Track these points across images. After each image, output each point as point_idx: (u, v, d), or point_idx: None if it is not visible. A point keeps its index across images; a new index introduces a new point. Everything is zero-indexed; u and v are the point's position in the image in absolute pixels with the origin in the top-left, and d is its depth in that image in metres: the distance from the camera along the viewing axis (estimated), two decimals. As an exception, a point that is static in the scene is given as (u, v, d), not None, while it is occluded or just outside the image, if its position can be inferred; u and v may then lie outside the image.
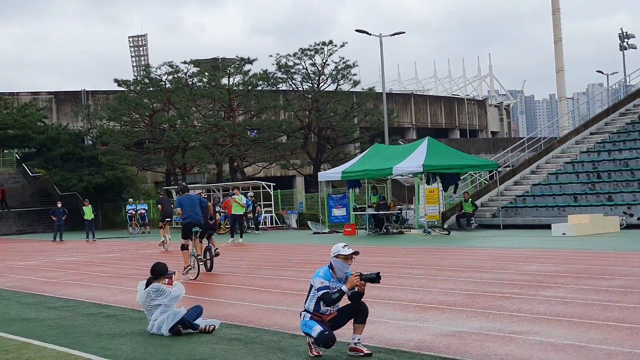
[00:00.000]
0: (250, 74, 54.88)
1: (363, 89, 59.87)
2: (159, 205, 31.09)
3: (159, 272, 10.82)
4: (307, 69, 54.84)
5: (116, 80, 57.30)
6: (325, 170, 45.66)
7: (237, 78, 55.41)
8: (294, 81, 56.13)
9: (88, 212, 40.27)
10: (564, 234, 27.07)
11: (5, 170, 68.16)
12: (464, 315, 10.96)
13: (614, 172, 34.62)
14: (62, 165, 56.63)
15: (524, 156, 42.44)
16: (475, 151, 75.54)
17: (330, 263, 8.68)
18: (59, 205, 42.41)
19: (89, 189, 54.03)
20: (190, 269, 17.91)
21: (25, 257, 28.50)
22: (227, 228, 34.95)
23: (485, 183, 40.16)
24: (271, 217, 44.69)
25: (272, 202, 45.09)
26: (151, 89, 56.38)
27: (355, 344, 8.62)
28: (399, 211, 34.44)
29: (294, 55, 54.18)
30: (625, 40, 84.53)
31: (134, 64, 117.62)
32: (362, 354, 8.55)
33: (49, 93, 76.66)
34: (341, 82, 55.74)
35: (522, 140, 45.36)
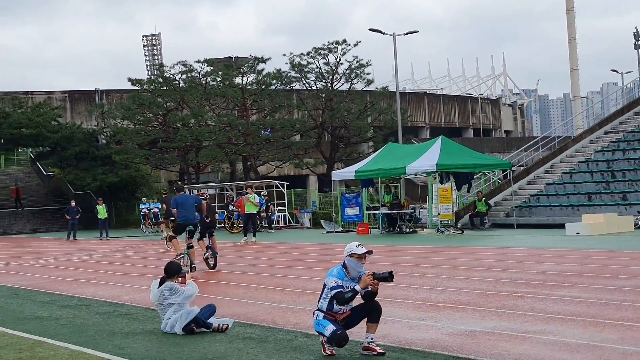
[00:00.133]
0: (264, 73, 55.00)
1: (376, 88, 59.81)
2: (163, 205, 31.22)
3: (172, 271, 10.83)
4: (320, 68, 54.91)
5: (130, 80, 57.49)
6: (338, 169, 45.67)
7: (251, 77, 55.55)
8: (307, 80, 56.19)
9: (102, 211, 40.38)
10: (578, 233, 26.96)
11: (19, 169, 68.42)
12: (478, 315, 10.92)
13: (629, 172, 34.45)
14: (76, 164, 56.79)
15: (538, 155, 42.29)
16: (489, 150, 75.35)
17: (344, 262, 8.67)
18: (73, 204, 42.57)
19: (102, 188, 54.15)
20: (182, 256, 18.39)
21: (39, 256, 28.61)
22: (241, 227, 34.95)
23: (499, 182, 40.04)
24: (284, 216, 44.70)
25: (286, 201, 45.10)
26: (165, 88, 56.48)
27: (368, 343, 8.61)
28: (413, 210, 34.38)
29: (308, 54, 54.25)
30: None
31: (148, 63, 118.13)
32: (375, 353, 8.54)
33: (63, 92, 76.95)
34: (355, 81, 55.81)
35: (536, 140, 45.21)
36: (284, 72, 55.30)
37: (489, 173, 41.26)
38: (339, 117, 55.12)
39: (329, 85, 55.71)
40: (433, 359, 8.29)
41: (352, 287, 8.48)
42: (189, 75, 56.26)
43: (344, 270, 8.65)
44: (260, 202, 34.15)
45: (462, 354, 8.47)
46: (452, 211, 33.63)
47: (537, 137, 51.90)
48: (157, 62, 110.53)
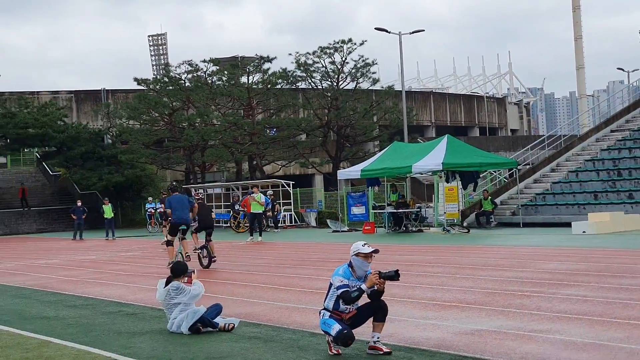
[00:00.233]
0: (270, 72, 54.98)
1: (382, 87, 59.82)
2: (163, 205, 31.27)
3: (179, 270, 10.84)
4: (326, 67, 54.92)
5: (136, 79, 57.61)
6: (344, 168, 45.65)
7: (257, 76, 55.52)
8: (313, 79, 56.23)
9: (108, 211, 40.44)
10: (584, 232, 26.92)
11: (25, 169, 68.55)
12: (484, 314, 10.91)
13: (635, 170, 34.38)
14: (82, 164, 56.92)
15: (544, 154, 42.25)
16: (495, 149, 75.24)
17: (350, 261, 8.67)
18: (79, 203, 42.65)
19: (108, 188, 54.24)
20: (176, 258, 18.66)
21: (46, 256, 28.65)
22: (247, 226, 34.97)
23: (505, 181, 40.01)
24: (290, 215, 44.71)
25: (292, 201, 45.10)
26: (171, 87, 56.53)
27: (374, 342, 8.60)
28: (419, 209, 34.35)
29: (313, 53, 54.30)
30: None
31: (154, 63, 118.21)
32: (381, 352, 8.53)
33: (69, 92, 77.07)
34: (360, 80, 55.83)
35: (542, 138, 45.19)
36: (289, 72, 55.37)
37: (495, 172, 41.23)
38: (345, 116, 55.15)
39: (335, 84, 55.74)
40: (439, 358, 8.28)
41: (358, 287, 8.47)
42: (195, 74, 56.32)
43: (350, 269, 8.64)
44: (266, 202, 34.15)
45: (469, 353, 8.46)
46: (458, 210, 33.64)
47: (543, 135, 51.89)
48: (162, 61, 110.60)
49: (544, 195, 35.40)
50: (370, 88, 58.78)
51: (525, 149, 44.55)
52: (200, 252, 19.97)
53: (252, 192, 31.76)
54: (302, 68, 54.88)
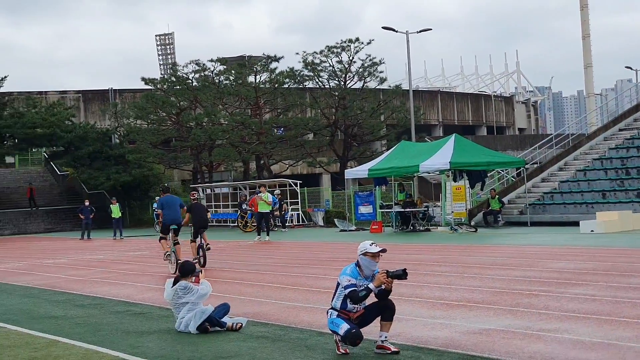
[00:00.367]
0: (277, 71, 54.99)
1: (390, 86, 59.76)
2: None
3: (187, 270, 10.85)
4: (333, 67, 54.94)
5: (143, 79, 57.70)
6: (351, 167, 45.63)
7: (264, 76, 55.54)
8: (320, 79, 56.24)
9: (115, 211, 40.50)
10: (592, 231, 26.86)
11: (33, 169, 68.70)
12: (492, 313, 10.90)
13: (643, 169, 34.31)
14: (89, 163, 57.03)
15: (552, 153, 42.18)
16: (502, 148, 75.17)
17: (358, 261, 8.67)
18: (87, 203, 42.73)
19: (116, 187, 54.31)
20: (169, 254, 19.35)
21: (54, 255, 28.71)
22: (254, 226, 34.99)
23: (512, 180, 39.95)
24: (298, 214, 44.72)
25: (299, 200, 45.11)
26: (178, 87, 56.60)
27: (382, 341, 8.60)
28: (426, 208, 34.32)
29: (321, 52, 54.31)
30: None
31: (161, 63, 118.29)
32: (389, 351, 8.53)
33: (77, 92, 77.26)
34: (368, 79, 55.81)
35: (549, 137, 45.10)
36: (297, 71, 55.38)
37: (502, 171, 41.15)
38: (352, 115, 55.14)
39: (342, 83, 55.74)
40: (447, 358, 8.27)
41: (366, 286, 8.47)
42: (202, 74, 56.36)
43: (358, 268, 8.64)
44: (274, 201, 34.17)
45: (477, 352, 8.45)
46: (466, 209, 33.58)
47: (551, 134, 51.75)
48: (170, 61, 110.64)
49: (552, 194, 35.34)
50: (378, 87, 58.77)
51: (533, 147, 44.47)
52: (198, 255, 20.22)
53: (260, 192, 31.77)
54: (309, 67, 54.89)
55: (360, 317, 8.66)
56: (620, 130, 39.69)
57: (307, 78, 56.46)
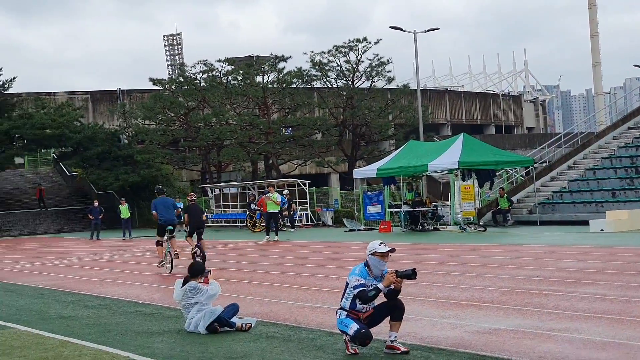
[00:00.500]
0: (285, 71, 55.07)
1: (397, 86, 59.74)
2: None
3: (196, 270, 10.86)
4: (341, 66, 54.96)
5: (151, 79, 57.84)
6: (360, 167, 45.62)
7: (272, 76, 55.63)
8: (328, 78, 56.30)
9: (124, 211, 40.57)
10: (602, 230, 26.76)
11: (43, 170, 68.91)
12: (501, 313, 10.87)
13: (653, 167, 34.19)
14: (98, 164, 57.17)
15: (561, 152, 42.08)
16: (511, 147, 75.03)
17: (366, 260, 8.66)
18: (96, 204, 42.81)
19: (125, 188, 54.41)
20: (165, 262, 19.68)
21: (63, 256, 28.78)
22: (263, 226, 35.01)
23: (521, 179, 39.86)
24: (306, 214, 44.72)
25: (308, 200, 45.10)
26: (186, 87, 56.73)
27: (392, 341, 8.59)
28: (435, 208, 34.27)
29: (328, 52, 54.34)
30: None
31: (169, 63, 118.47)
32: (399, 351, 8.51)
33: (85, 92, 77.45)
34: (375, 79, 55.86)
35: (558, 136, 45.00)
36: (304, 71, 55.42)
37: (511, 170, 41.08)
38: (360, 115, 55.15)
39: (350, 83, 55.76)
40: (457, 358, 8.25)
41: (375, 286, 8.46)
42: (210, 74, 56.46)
43: (367, 268, 8.63)
44: (282, 201, 34.17)
45: (487, 352, 8.43)
46: (475, 208, 33.53)
47: (560, 133, 51.64)
48: (178, 61, 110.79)
49: (561, 193, 35.25)
50: (386, 87, 58.81)
51: (541, 146, 44.38)
52: (195, 252, 20.45)
53: (268, 192, 31.78)
54: (317, 67, 54.93)
55: (369, 317, 8.65)
56: (630, 128, 39.56)
57: (314, 78, 56.51)
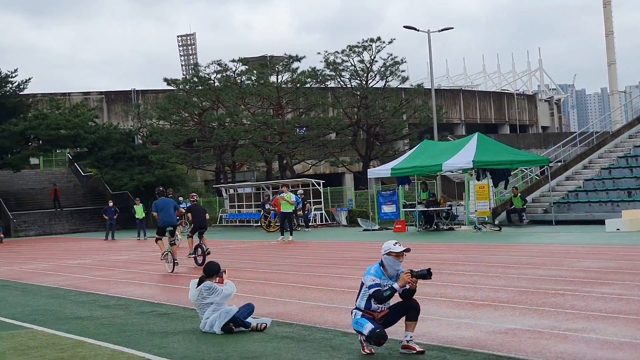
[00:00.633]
0: (299, 71, 55.10)
1: (411, 85, 59.64)
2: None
3: (211, 270, 10.87)
4: (355, 66, 54.92)
5: (165, 80, 57.96)
6: (374, 167, 45.58)
7: (286, 76, 55.66)
8: (342, 78, 56.25)
9: (139, 211, 40.67)
10: (618, 229, 26.62)
11: (57, 170, 69.20)
12: (517, 313, 10.83)
13: (669, 166, 33.99)
14: (113, 164, 57.36)
15: (576, 151, 41.89)
16: (526, 146, 74.79)
17: (381, 260, 8.65)
18: (111, 204, 42.92)
19: (139, 188, 54.56)
20: (166, 254, 20.07)
21: (78, 256, 28.88)
22: (277, 226, 35.03)
23: (536, 179, 39.71)
24: (321, 214, 44.71)
25: (322, 200, 45.10)
26: (200, 87, 56.85)
27: (407, 341, 8.57)
28: (449, 207, 34.18)
29: (342, 52, 54.29)
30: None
31: (183, 63, 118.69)
32: (414, 351, 8.50)
33: (100, 93, 77.76)
34: (389, 78, 55.75)
35: (573, 135, 44.80)
36: (318, 71, 55.41)
37: (526, 169, 40.93)
38: (374, 114, 55.11)
39: (364, 83, 55.72)
40: (473, 358, 8.23)
41: (390, 286, 8.45)
42: (224, 74, 56.57)
43: (382, 268, 8.62)
44: (297, 201, 34.17)
45: (503, 352, 8.40)
46: (490, 208, 33.43)
47: (575, 132, 51.44)
48: (192, 61, 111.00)
49: (577, 192, 35.10)
50: (400, 86, 58.68)
51: (556, 146, 44.23)
52: (195, 253, 21.17)
53: (282, 192, 31.79)
54: (331, 67, 54.90)
55: (384, 317, 8.64)
56: (645, 127, 39.35)
57: (328, 78, 56.50)
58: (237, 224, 49.68)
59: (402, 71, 55.34)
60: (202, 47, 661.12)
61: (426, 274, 8.42)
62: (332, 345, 9.19)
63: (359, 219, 39.21)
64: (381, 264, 8.64)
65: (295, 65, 55.01)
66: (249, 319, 10.53)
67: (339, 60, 54.64)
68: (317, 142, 56.76)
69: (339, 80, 56.49)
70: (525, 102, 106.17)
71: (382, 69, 54.84)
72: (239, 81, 56.73)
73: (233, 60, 56.21)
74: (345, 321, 10.23)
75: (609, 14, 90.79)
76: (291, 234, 31.12)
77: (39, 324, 12.07)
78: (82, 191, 62.83)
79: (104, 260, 26.00)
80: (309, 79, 55.47)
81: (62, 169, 69.50)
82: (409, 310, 8.60)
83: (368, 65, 54.68)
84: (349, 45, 54.04)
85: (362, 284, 8.66)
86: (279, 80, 55.29)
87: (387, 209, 37.31)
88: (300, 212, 38.45)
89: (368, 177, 39.63)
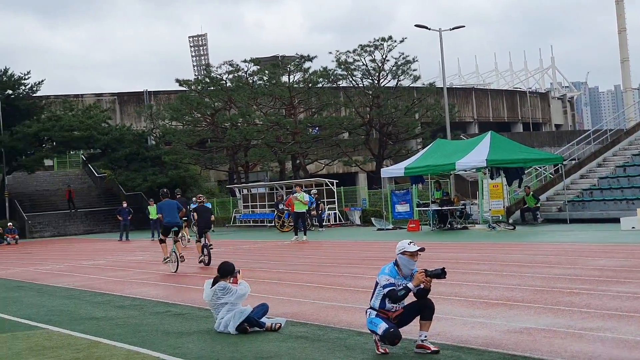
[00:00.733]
0: (311, 71, 55.16)
1: (423, 84, 59.62)
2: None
3: (226, 271, 10.88)
4: (367, 65, 54.91)
5: (177, 80, 58.08)
6: (387, 166, 45.55)
7: (298, 76, 55.70)
8: (354, 78, 56.26)
9: (153, 212, 40.64)
10: (633, 227, 26.48)
11: (71, 171, 69.48)
12: (532, 312, 10.80)
13: (684, 164, 33.81)
14: (126, 165, 57.52)
15: (590, 149, 41.73)
16: (539, 145, 74.58)
17: (396, 260, 8.64)
18: (125, 205, 43.01)
19: (153, 189, 54.58)
20: (170, 261, 20.35)
21: (93, 257, 28.96)
22: (291, 226, 35.05)
23: (550, 177, 39.59)
24: (334, 214, 44.70)
25: (336, 199, 45.08)
26: (212, 88, 56.95)
27: (422, 341, 8.56)
28: (463, 206, 34.15)
29: (354, 51, 54.29)
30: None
31: (195, 64, 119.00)
32: (429, 351, 8.48)
33: (112, 94, 77.95)
34: (401, 77, 55.76)
35: (587, 133, 44.64)
36: (330, 70, 55.44)
37: (540, 168, 40.80)
38: (387, 114, 55.08)
39: (376, 82, 55.70)
40: (488, 357, 8.20)
41: (404, 285, 8.44)
42: (236, 74, 56.65)
43: (396, 268, 8.61)
44: (310, 201, 34.17)
45: (518, 351, 8.37)
46: (503, 207, 33.35)
47: (589, 130, 51.24)
48: (204, 62, 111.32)
49: (591, 190, 34.96)
50: (412, 85, 58.63)
51: (570, 144, 44.06)
52: (202, 254, 21.63)
53: (295, 192, 31.80)
54: (342, 66, 54.91)
55: (399, 316, 8.63)
56: (660, 124, 39.19)
57: (340, 77, 56.52)
58: (251, 224, 49.72)
59: (414, 70, 55.37)
60: (214, 47, 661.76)
61: (440, 274, 8.40)
62: (346, 345, 9.19)
63: (372, 219, 39.19)
64: (395, 263, 8.63)
65: (307, 65, 55.14)
66: (263, 319, 10.54)
67: (350, 60, 54.68)
68: (330, 141, 56.78)
69: (350, 79, 56.51)
70: (538, 100, 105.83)
71: (394, 68, 54.82)
72: (250, 81, 56.80)
73: (245, 61, 56.33)
74: (359, 321, 10.23)
75: (622, 10, 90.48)
76: (305, 234, 31.12)
77: (54, 324, 12.12)
78: (96, 192, 63.06)
79: (119, 260, 26.08)
80: (320, 79, 55.51)
81: (76, 170, 69.79)
82: (424, 309, 8.59)
83: (380, 64, 54.66)
84: (361, 45, 54.08)
85: (377, 283, 8.66)
86: (291, 80, 55.35)
87: (401, 208, 37.30)
88: (314, 212, 38.46)
89: (381, 176, 39.62)
